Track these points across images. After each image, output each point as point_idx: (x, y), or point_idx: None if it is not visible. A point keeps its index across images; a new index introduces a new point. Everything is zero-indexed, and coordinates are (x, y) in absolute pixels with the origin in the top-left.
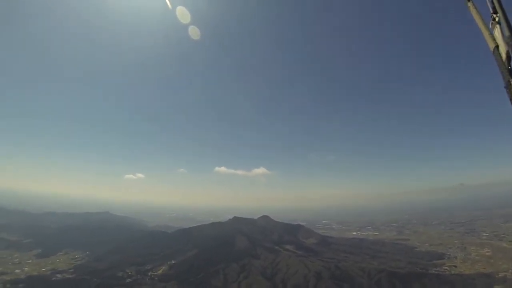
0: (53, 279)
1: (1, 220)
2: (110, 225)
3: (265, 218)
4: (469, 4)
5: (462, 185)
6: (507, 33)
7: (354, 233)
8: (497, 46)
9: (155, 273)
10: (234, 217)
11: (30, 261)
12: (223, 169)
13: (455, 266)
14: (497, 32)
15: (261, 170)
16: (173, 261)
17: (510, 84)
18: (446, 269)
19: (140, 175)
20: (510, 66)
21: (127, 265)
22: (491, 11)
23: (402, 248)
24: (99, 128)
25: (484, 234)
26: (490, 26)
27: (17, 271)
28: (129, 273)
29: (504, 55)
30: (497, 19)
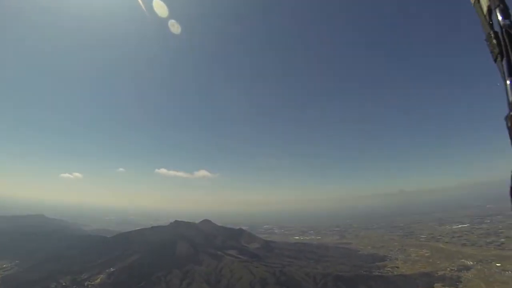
0: None
1: None
2: (44, 229)
3: (207, 222)
4: None
5: (402, 191)
6: None
7: (297, 237)
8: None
9: (92, 283)
10: (175, 221)
11: None
12: (164, 170)
13: (397, 267)
14: None
15: (203, 172)
16: (112, 269)
17: (491, 36)
18: (389, 270)
19: (77, 174)
20: (490, 18)
21: (62, 274)
22: None
23: (345, 251)
24: (32, 122)
25: (422, 236)
26: None
27: None
28: (64, 283)
29: (485, 8)
30: None
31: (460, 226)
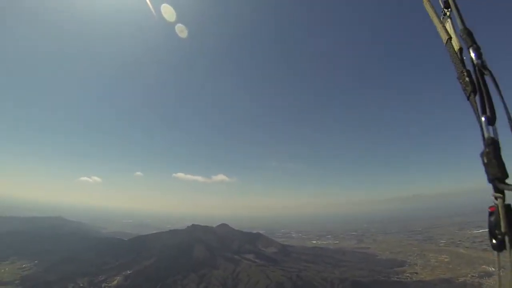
0: None
1: None
2: (62, 231)
3: (224, 226)
4: (425, 0)
5: (417, 195)
6: (460, 26)
7: (314, 241)
8: (450, 38)
9: (109, 285)
10: (192, 224)
11: None
12: (181, 174)
13: (416, 273)
14: (448, 26)
15: (220, 176)
16: (128, 272)
17: (463, 74)
18: (408, 276)
19: (96, 178)
20: (462, 57)
21: (79, 276)
22: (442, 6)
23: (363, 256)
24: (54, 126)
25: (441, 241)
26: (442, 20)
27: None
28: (81, 285)
29: (456, 47)
30: (448, 13)
31: (481, 230)
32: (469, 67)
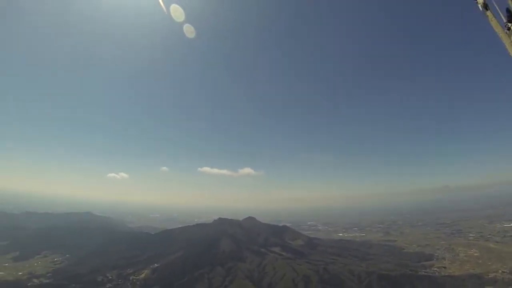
0: (29, 284)
1: None
2: (92, 226)
3: (251, 219)
4: (488, 13)
5: (446, 187)
6: None
7: (341, 234)
8: None
9: (137, 278)
10: (219, 218)
11: (7, 264)
12: (207, 169)
13: (445, 267)
14: None
15: (247, 170)
16: (156, 265)
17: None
18: (436, 270)
19: (123, 174)
20: None
21: (108, 269)
22: (505, 21)
23: (390, 249)
24: (82, 126)
25: (470, 234)
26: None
27: None
28: (110, 277)
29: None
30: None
31: None
32: None
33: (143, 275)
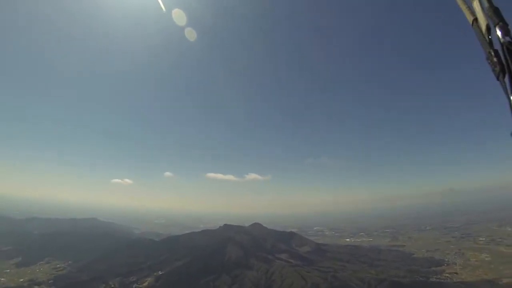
0: None
1: None
2: (96, 232)
3: (257, 225)
4: None
5: (452, 189)
6: (486, 4)
7: (348, 239)
8: (475, 19)
9: (140, 286)
10: (225, 224)
11: (9, 270)
12: (212, 174)
13: (456, 273)
14: (475, 5)
15: (253, 175)
16: (160, 272)
17: (491, 55)
18: (447, 276)
19: (127, 180)
20: (490, 37)
21: (111, 276)
22: None
23: (399, 255)
24: (86, 131)
25: (481, 238)
26: (468, 0)
27: None
28: (112, 285)
29: (484, 27)
30: None
31: None
32: (497, 46)
33: (146, 283)
